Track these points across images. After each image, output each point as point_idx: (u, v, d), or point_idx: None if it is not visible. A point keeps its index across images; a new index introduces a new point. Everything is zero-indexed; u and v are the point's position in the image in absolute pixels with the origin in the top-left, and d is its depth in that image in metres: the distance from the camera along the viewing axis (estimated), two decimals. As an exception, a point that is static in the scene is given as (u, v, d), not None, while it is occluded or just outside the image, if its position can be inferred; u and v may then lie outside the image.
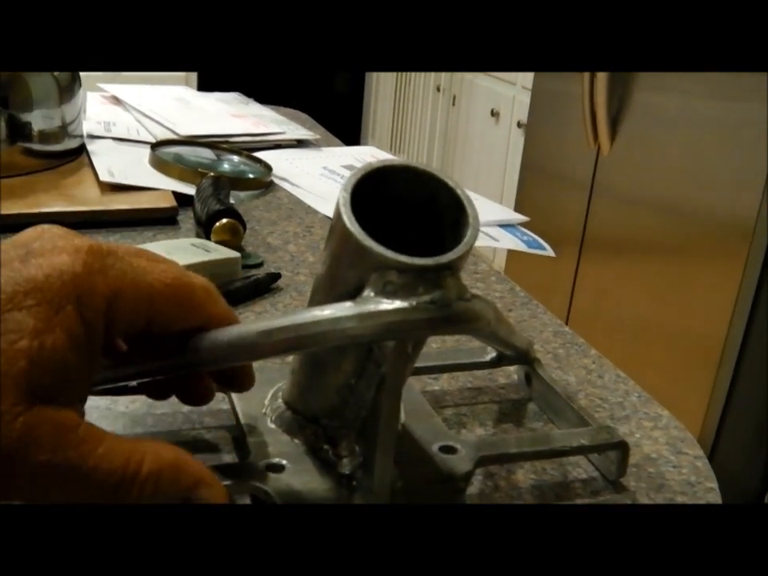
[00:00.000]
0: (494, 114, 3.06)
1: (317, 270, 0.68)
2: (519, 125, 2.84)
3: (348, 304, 0.33)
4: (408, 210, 0.37)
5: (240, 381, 0.42)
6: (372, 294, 0.33)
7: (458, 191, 0.35)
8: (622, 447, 0.43)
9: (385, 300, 0.32)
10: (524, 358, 0.51)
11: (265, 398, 0.44)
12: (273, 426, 0.42)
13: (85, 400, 0.34)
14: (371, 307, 0.32)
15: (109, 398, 0.46)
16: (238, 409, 0.43)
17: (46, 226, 0.35)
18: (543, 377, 0.50)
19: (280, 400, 0.42)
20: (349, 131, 4.12)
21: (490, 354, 0.51)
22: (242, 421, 0.42)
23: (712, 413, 1.80)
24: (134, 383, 0.42)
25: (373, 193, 0.35)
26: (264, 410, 0.43)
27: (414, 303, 0.32)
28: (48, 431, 0.30)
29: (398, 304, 0.32)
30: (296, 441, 0.41)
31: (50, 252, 0.33)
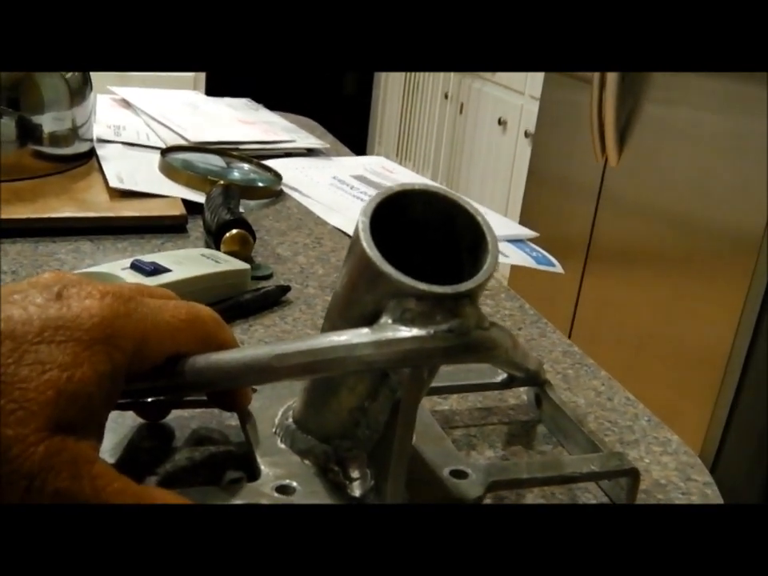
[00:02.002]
0: (502, 122, 3.05)
1: (326, 283, 0.68)
2: (526, 134, 2.84)
3: (365, 330, 0.32)
4: (426, 233, 0.36)
5: (236, 400, 0.43)
6: (390, 320, 0.32)
7: (478, 218, 0.34)
8: (633, 474, 0.43)
9: (402, 327, 0.32)
10: (534, 379, 0.51)
11: (275, 416, 0.43)
12: (283, 445, 0.41)
13: (101, 438, 0.34)
14: (389, 334, 0.32)
15: (116, 412, 0.46)
16: (248, 427, 0.43)
17: (60, 272, 0.36)
18: (553, 399, 0.50)
19: (290, 419, 0.42)
20: (356, 137, 4.12)
21: (501, 376, 0.51)
22: (252, 439, 0.42)
23: (714, 426, 1.80)
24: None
25: (391, 215, 0.35)
26: (274, 429, 0.43)
27: (432, 332, 0.32)
28: (67, 460, 0.31)
29: (415, 332, 0.32)
30: (306, 462, 0.40)
31: (78, 295, 0.34)
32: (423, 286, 0.32)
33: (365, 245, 0.32)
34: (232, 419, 0.47)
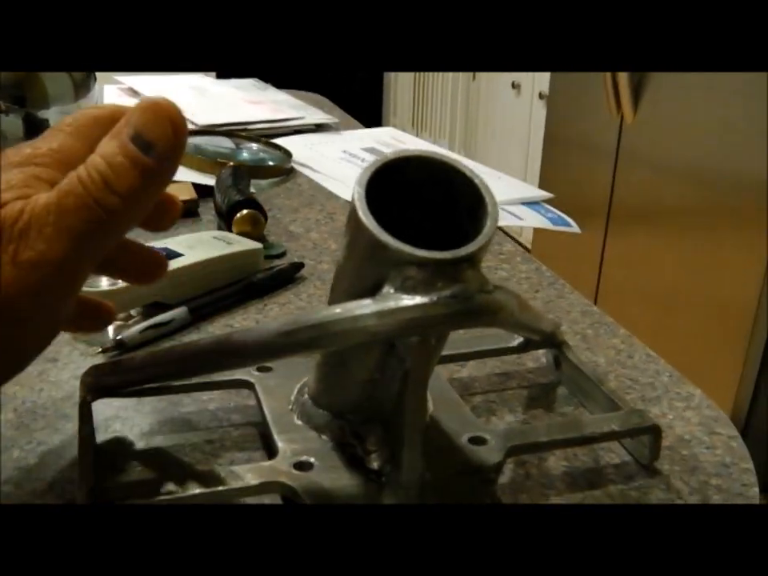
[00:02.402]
0: (515, 86, 3.03)
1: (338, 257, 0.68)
2: (541, 96, 2.81)
3: (367, 301, 0.32)
4: (426, 199, 0.36)
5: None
6: (391, 290, 0.32)
7: (476, 180, 0.34)
8: (654, 431, 0.43)
9: (405, 296, 0.31)
10: (551, 341, 0.50)
11: (291, 393, 0.43)
12: (299, 422, 0.41)
13: None
14: (391, 304, 0.31)
15: (135, 398, 0.46)
16: (264, 405, 0.43)
17: None
18: (572, 360, 0.49)
19: (306, 395, 0.42)
20: (370, 110, 4.11)
21: (517, 339, 0.51)
22: (269, 417, 0.42)
23: (746, 382, 1.78)
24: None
25: (389, 183, 0.34)
26: (290, 406, 0.43)
27: (435, 298, 0.31)
28: None
29: (417, 300, 0.31)
30: (323, 437, 0.40)
31: None
32: (422, 253, 0.31)
33: (361, 214, 0.32)
34: (249, 399, 0.47)
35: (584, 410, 0.48)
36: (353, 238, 0.34)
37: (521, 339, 0.51)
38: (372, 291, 0.33)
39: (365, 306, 0.32)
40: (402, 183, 0.35)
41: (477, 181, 0.34)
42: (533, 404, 0.49)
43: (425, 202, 0.36)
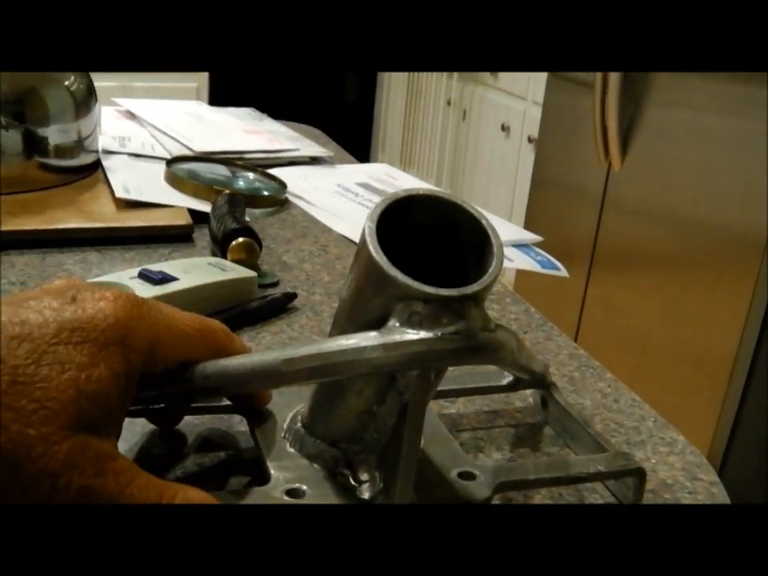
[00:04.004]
0: (505, 128, 3.06)
1: (332, 290, 0.68)
2: (530, 139, 2.84)
3: (373, 334, 0.33)
4: (432, 238, 0.37)
5: (255, 400, 0.44)
6: (397, 323, 0.33)
7: (483, 221, 0.35)
8: (639, 474, 0.44)
9: (410, 330, 0.32)
10: (540, 382, 0.51)
11: (284, 420, 0.44)
12: (292, 450, 0.42)
13: (119, 436, 0.35)
14: (396, 337, 0.32)
15: (127, 419, 0.47)
16: (257, 432, 0.43)
17: (71, 279, 0.37)
18: (559, 401, 0.50)
19: (299, 423, 0.43)
20: (359, 145, 4.13)
21: (507, 378, 0.51)
22: (261, 444, 0.42)
23: (721, 429, 1.80)
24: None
25: (397, 220, 0.35)
26: (283, 434, 0.43)
27: (439, 334, 0.32)
28: (91, 457, 0.31)
29: (422, 335, 0.32)
30: (315, 466, 0.41)
31: (92, 298, 0.34)
32: (430, 289, 0.32)
33: (371, 249, 0.33)
34: (241, 425, 0.47)
35: (570, 451, 0.49)
36: (362, 271, 0.35)
37: (510, 378, 0.51)
38: (377, 324, 0.34)
39: (370, 339, 0.33)
40: (410, 220, 0.36)
41: (484, 222, 0.35)
42: (520, 443, 0.50)
43: (430, 240, 0.37)
